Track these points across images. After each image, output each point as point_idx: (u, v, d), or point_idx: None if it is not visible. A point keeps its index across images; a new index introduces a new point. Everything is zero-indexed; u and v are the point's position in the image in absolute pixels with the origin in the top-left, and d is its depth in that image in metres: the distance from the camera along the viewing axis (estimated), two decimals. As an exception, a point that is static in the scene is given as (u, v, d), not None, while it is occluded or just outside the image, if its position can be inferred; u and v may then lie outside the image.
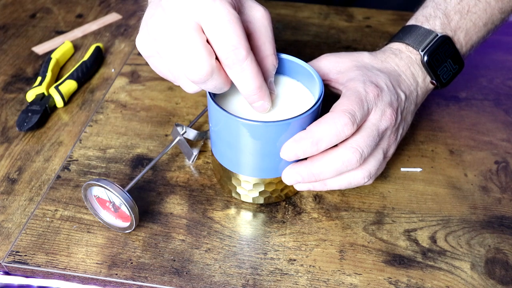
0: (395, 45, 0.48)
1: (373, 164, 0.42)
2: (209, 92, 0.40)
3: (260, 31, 0.38)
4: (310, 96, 0.44)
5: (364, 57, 0.46)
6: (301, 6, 0.77)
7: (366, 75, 0.43)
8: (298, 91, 0.44)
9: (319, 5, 0.77)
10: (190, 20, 0.34)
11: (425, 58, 0.46)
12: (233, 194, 0.46)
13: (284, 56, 0.44)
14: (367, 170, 0.42)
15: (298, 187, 0.44)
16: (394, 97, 0.43)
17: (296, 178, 0.41)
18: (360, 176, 0.42)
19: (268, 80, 0.40)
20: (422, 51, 0.46)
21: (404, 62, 0.46)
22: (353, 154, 0.40)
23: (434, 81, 0.47)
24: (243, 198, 0.46)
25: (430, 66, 0.46)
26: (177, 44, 0.35)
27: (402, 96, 0.44)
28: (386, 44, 0.49)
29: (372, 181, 0.43)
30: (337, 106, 0.40)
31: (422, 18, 0.48)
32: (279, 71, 0.46)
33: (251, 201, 0.46)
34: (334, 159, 0.40)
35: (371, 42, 0.70)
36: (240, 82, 0.37)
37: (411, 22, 0.49)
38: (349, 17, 0.75)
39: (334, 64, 0.45)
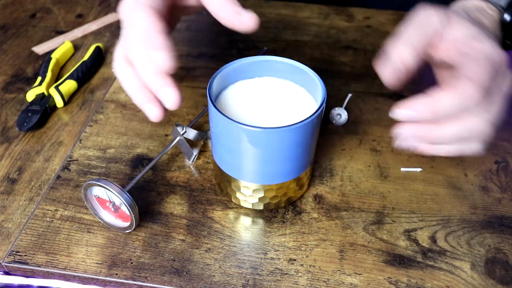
0: (475, 2, 0.42)
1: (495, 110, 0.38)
2: (209, 96, 0.40)
3: None
4: (313, 101, 0.43)
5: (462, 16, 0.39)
6: (301, 6, 0.77)
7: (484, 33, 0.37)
8: (300, 96, 0.44)
9: (319, 5, 0.77)
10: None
11: (507, 17, 0.41)
12: (233, 199, 0.46)
13: (286, 60, 0.43)
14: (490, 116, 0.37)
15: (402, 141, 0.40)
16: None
17: (411, 115, 0.37)
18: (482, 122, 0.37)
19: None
20: (504, 8, 0.41)
21: (491, 25, 0.42)
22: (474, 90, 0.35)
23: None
24: (242, 204, 0.46)
25: (509, 26, 0.42)
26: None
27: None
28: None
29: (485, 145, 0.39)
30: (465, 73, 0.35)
31: None
32: (282, 75, 0.45)
33: (250, 206, 0.46)
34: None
35: (371, 42, 0.70)
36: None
37: None
38: (349, 17, 0.75)
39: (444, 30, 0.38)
